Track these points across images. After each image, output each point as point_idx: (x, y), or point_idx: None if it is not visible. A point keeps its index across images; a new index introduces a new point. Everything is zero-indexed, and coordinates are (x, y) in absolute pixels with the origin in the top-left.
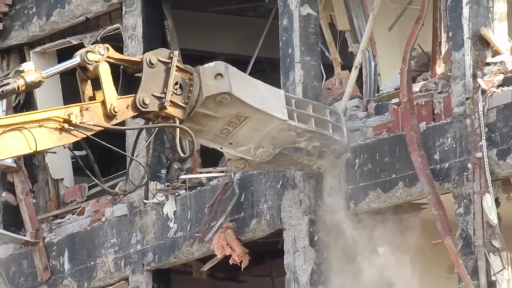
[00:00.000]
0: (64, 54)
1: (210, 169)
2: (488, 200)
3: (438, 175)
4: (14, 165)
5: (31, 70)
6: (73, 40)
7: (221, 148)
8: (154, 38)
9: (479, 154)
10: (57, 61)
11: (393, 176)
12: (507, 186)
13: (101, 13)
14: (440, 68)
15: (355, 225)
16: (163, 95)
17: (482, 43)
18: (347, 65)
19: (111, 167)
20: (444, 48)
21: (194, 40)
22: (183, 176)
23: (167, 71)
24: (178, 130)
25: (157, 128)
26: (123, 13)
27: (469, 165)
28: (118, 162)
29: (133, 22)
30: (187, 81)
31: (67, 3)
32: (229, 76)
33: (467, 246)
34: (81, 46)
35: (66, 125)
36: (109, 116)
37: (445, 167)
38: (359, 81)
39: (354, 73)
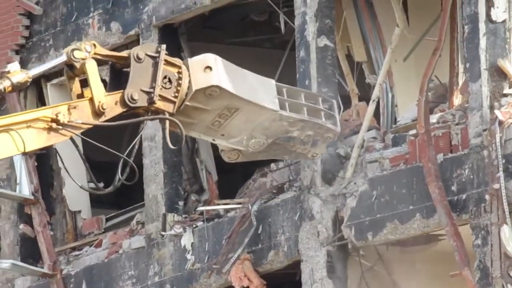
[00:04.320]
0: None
1: (228, 200)
2: (506, 231)
3: (455, 206)
4: (32, 197)
5: (17, 70)
6: None
7: (213, 140)
8: None
9: (496, 186)
10: None
11: (411, 207)
12: None
13: (118, 45)
14: (457, 99)
15: (373, 257)
16: (152, 90)
17: (499, 74)
18: (364, 97)
19: (129, 199)
20: (461, 79)
21: None
22: (200, 208)
23: (155, 65)
24: (167, 122)
25: (145, 123)
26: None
27: (487, 197)
28: (135, 194)
29: None
30: (175, 74)
31: (84, 35)
32: (218, 68)
33: (485, 278)
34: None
35: (54, 125)
36: (98, 113)
37: (463, 199)
38: (376, 112)
39: (371, 106)
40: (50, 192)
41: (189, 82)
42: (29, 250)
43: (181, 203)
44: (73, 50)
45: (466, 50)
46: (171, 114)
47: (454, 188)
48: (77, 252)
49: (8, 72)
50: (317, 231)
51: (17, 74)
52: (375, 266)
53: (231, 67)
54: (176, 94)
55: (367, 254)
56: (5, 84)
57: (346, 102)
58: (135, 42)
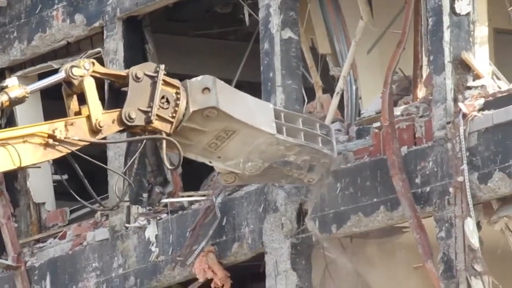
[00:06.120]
0: (45, 78)
1: (192, 193)
2: (470, 224)
3: (419, 199)
4: None
5: (15, 85)
6: (55, 64)
7: (209, 162)
8: (135, 62)
9: (460, 178)
10: None
11: (375, 200)
12: (489, 210)
13: (82, 37)
14: (421, 92)
15: (337, 249)
16: (149, 109)
17: (463, 67)
18: (328, 89)
19: (93, 190)
20: (425, 72)
21: (175, 64)
22: (164, 200)
23: (153, 85)
24: (164, 142)
25: (144, 142)
26: (104, 37)
27: (451, 189)
28: (100, 185)
29: (114, 46)
30: (173, 95)
31: (48, 27)
32: (217, 90)
33: (448, 270)
34: None
35: (50, 141)
36: (95, 131)
37: (427, 191)
38: (340, 104)
39: (335, 99)
40: (14, 184)
41: (187, 103)
42: None
43: (145, 195)
44: (71, 67)
45: (430, 42)
46: (168, 135)
47: (418, 180)
48: (41, 244)
49: (6, 86)
50: (281, 223)
51: (15, 89)
52: (339, 258)
53: (230, 89)
54: (174, 115)
55: (331, 247)
56: (3, 98)
57: (310, 94)
58: (99, 34)
